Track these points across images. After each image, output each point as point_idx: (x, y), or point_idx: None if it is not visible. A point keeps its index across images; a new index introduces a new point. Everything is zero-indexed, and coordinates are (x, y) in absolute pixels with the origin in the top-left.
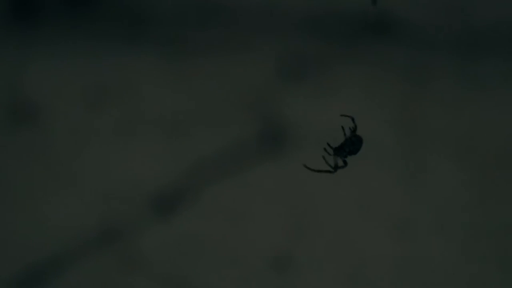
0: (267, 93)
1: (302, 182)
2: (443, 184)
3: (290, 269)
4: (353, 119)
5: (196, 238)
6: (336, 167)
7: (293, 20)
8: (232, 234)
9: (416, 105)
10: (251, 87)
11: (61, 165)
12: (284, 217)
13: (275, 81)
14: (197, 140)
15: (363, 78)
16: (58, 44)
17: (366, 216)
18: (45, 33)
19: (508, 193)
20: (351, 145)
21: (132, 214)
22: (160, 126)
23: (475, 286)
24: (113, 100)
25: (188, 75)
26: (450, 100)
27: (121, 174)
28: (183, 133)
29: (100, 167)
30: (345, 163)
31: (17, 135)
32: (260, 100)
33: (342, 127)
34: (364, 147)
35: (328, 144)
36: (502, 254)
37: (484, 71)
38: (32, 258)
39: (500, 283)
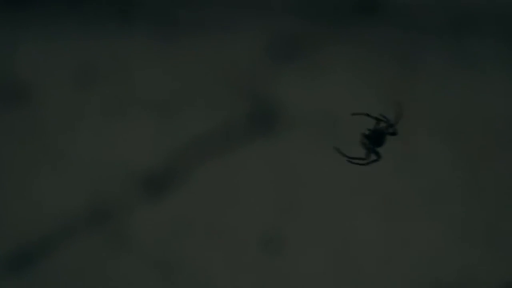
0: (256, 73)
1: (291, 162)
2: (432, 164)
3: (279, 249)
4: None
5: (186, 219)
6: (368, 159)
7: (283, 1)
8: (221, 215)
9: (405, 86)
10: (241, 68)
11: (51, 145)
12: (274, 197)
13: (264, 61)
14: (187, 120)
15: (353, 59)
16: (49, 25)
17: (356, 196)
18: (37, 14)
19: (498, 173)
20: (377, 136)
21: (121, 194)
22: (150, 107)
23: (464, 266)
24: (104, 80)
25: (178, 55)
26: (439, 81)
27: (111, 155)
28: (173, 113)
29: (90, 148)
30: (378, 155)
31: (7, 115)
32: (250, 80)
33: (376, 118)
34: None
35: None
36: (492, 234)
37: (473, 51)
38: (21, 238)
39: (489, 263)
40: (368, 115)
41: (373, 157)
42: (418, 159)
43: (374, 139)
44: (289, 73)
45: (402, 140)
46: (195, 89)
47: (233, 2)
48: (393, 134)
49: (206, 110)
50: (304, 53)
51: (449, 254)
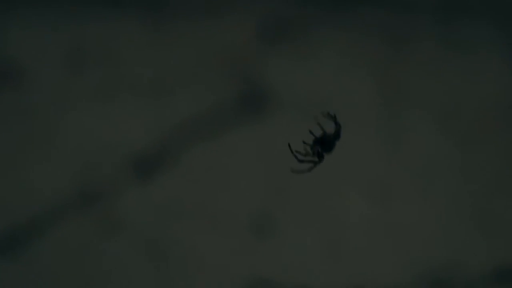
0: (247, 56)
1: (282, 144)
2: (423, 148)
3: (270, 231)
4: (335, 117)
5: (176, 201)
6: (317, 160)
7: None
8: (211, 197)
9: (396, 69)
10: (232, 50)
11: (42, 127)
12: (265, 179)
13: (254, 45)
14: (177, 103)
15: (342, 42)
16: (40, 8)
17: (346, 179)
18: None
19: (488, 156)
20: (327, 142)
21: (112, 176)
22: (140, 90)
23: (455, 248)
24: (94, 63)
25: (169, 38)
26: (430, 64)
27: (102, 137)
28: (163, 96)
29: (80, 130)
30: (320, 158)
31: None
32: (240, 63)
33: (319, 124)
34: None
35: (310, 132)
36: (482, 217)
37: (465, 34)
38: (12, 219)
39: (479, 246)
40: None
41: (315, 159)
42: (408, 143)
43: (324, 145)
44: (279, 56)
45: (393, 124)
46: (185, 72)
47: None
48: (337, 137)
49: (196, 93)
50: (294, 37)
51: (439, 237)
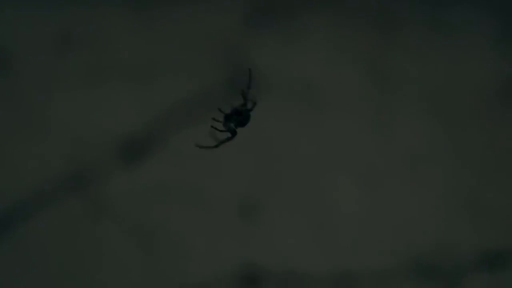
0: (235, 40)
1: (271, 129)
2: (412, 132)
3: (258, 215)
4: (247, 89)
5: (164, 185)
6: (219, 143)
7: None
8: (200, 181)
9: (385, 52)
10: (220, 34)
11: (31, 111)
12: (253, 164)
13: (242, 28)
14: (164, 87)
15: (331, 26)
16: None
17: (335, 163)
18: None
19: (477, 141)
20: (239, 115)
21: (100, 160)
22: (128, 74)
23: (443, 233)
24: (82, 48)
25: (157, 22)
26: (419, 47)
27: (90, 121)
28: (151, 80)
29: (68, 114)
30: (234, 133)
31: None
32: (228, 47)
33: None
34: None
35: (220, 110)
36: (471, 202)
37: (452, 18)
38: None
39: (469, 231)
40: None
41: (228, 135)
42: (397, 127)
43: (239, 119)
44: (267, 40)
45: (382, 108)
46: (173, 57)
47: None
48: (251, 109)
49: (184, 77)
50: (282, 20)
51: (427, 222)
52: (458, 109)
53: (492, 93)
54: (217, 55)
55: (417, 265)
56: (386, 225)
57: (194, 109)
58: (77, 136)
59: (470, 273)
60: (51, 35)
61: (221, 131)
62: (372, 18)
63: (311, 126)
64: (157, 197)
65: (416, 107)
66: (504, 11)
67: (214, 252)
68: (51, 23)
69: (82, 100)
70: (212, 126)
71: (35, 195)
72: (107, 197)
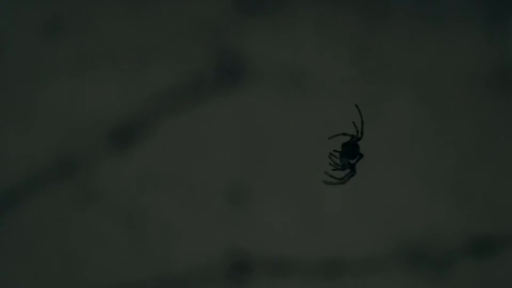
0: (224, 27)
1: (258, 115)
2: (399, 117)
3: (246, 200)
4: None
5: (152, 171)
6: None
7: None
8: (188, 167)
9: (374, 39)
10: (209, 21)
11: (19, 97)
12: (241, 149)
13: (232, 15)
14: (154, 73)
15: (321, 12)
16: None
17: (322, 147)
18: None
19: (464, 126)
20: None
21: (88, 147)
22: (117, 60)
23: (431, 219)
24: (72, 33)
25: (146, 9)
26: (408, 33)
27: (78, 107)
28: (140, 66)
29: (57, 100)
30: (353, 169)
31: None
32: (217, 34)
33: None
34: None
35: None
36: (458, 187)
37: (442, 4)
38: None
39: (456, 216)
40: (344, 134)
41: (347, 171)
42: (385, 113)
43: (349, 153)
44: (256, 26)
45: (370, 93)
46: (163, 43)
47: None
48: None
49: (174, 63)
50: (272, 7)
51: (415, 207)
52: (445, 95)
53: (480, 79)
54: (207, 42)
55: (405, 251)
56: (374, 211)
57: (183, 96)
58: (65, 123)
59: (458, 259)
60: (39, 21)
61: (338, 169)
62: (361, 5)
63: (300, 111)
64: (146, 183)
65: (403, 92)
66: None
67: (203, 239)
68: (39, 9)
69: (70, 86)
70: (330, 164)
71: (23, 181)
72: (96, 183)
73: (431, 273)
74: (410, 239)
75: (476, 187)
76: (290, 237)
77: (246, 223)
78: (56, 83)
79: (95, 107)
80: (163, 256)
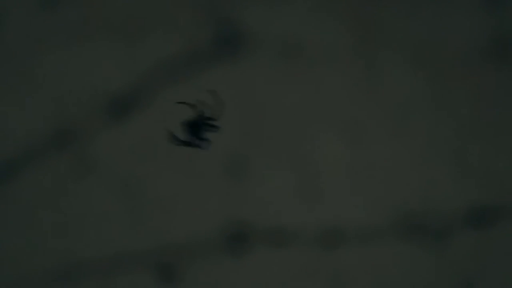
0: None
1: (257, 86)
2: (397, 88)
3: (244, 172)
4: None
5: (150, 142)
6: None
7: None
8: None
9: (371, 10)
10: None
11: (16, 68)
12: (238, 121)
13: None
14: (152, 44)
15: None
16: None
17: (320, 120)
18: None
19: (461, 98)
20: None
21: (86, 117)
22: (115, 30)
23: (428, 190)
24: (70, 4)
25: None
26: (406, 4)
27: (76, 78)
28: (138, 37)
29: (54, 71)
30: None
31: None
32: (215, 3)
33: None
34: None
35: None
36: (456, 158)
37: None
38: None
39: (454, 188)
40: (186, 103)
41: (198, 143)
42: (382, 84)
43: (193, 129)
44: None
45: (367, 64)
46: (160, 14)
47: None
48: (214, 127)
49: (171, 34)
50: None
51: (413, 179)
52: (443, 65)
53: (478, 49)
54: (204, 12)
55: (404, 221)
56: (373, 181)
57: (180, 66)
58: (63, 93)
59: (457, 229)
60: None
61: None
62: None
63: (298, 83)
64: (144, 154)
65: (401, 63)
66: None
67: (201, 210)
68: None
69: (68, 57)
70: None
71: (20, 151)
72: (93, 154)
73: (430, 243)
74: (409, 209)
75: (474, 157)
76: (288, 208)
77: (244, 194)
78: (54, 53)
79: (93, 77)
80: (160, 227)
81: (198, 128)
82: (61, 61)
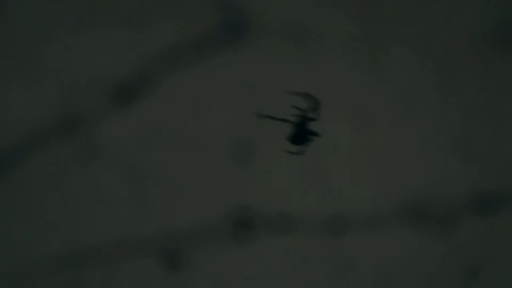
0: None
1: (262, 71)
2: (403, 74)
3: (250, 158)
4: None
5: (155, 128)
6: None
7: None
8: (192, 124)
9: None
10: None
11: (22, 54)
12: (245, 106)
13: None
14: (157, 30)
15: None
16: None
17: (326, 105)
18: None
19: (466, 84)
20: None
21: (92, 104)
22: (121, 17)
23: (434, 176)
24: None
25: None
26: None
27: (81, 65)
28: (144, 23)
29: (60, 57)
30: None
31: None
32: None
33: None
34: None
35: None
36: (461, 144)
37: None
38: None
39: (459, 174)
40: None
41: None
42: (388, 70)
43: (298, 139)
44: None
45: (373, 51)
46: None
47: None
48: (315, 134)
49: (177, 20)
50: None
51: (419, 165)
52: (450, 51)
53: (483, 35)
54: None
55: (409, 208)
56: (378, 167)
57: (186, 52)
58: (68, 79)
59: (462, 215)
60: None
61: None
62: None
63: (304, 69)
64: (148, 140)
65: (406, 49)
66: None
67: (206, 196)
68: None
69: (73, 43)
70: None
71: (26, 138)
72: (98, 140)
73: (436, 230)
74: (414, 196)
75: (480, 144)
76: (294, 194)
77: (250, 180)
78: (59, 39)
79: (98, 63)
80: (166, 213)
81: (302, 138)
82: (67, 48)
